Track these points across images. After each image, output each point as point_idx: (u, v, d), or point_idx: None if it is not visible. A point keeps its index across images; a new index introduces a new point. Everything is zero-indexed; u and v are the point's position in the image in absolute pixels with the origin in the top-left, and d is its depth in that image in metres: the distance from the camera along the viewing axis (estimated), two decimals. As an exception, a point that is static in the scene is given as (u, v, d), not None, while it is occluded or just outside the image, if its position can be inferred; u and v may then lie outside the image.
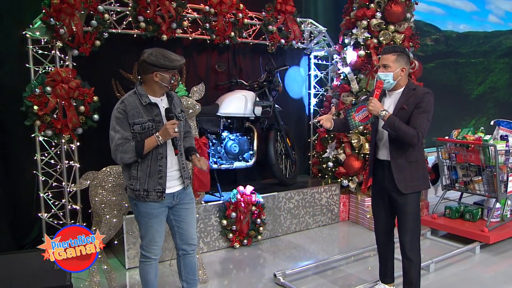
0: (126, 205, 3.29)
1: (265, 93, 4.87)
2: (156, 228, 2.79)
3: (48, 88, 3.76)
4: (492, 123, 4.99)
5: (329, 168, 5.31)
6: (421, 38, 5.64)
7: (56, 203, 4.01)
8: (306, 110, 5.89)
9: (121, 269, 3.94)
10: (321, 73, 5.84)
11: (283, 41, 5.10)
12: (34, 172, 3.94)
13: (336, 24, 5.68)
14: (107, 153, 2.76)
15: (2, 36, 3.85)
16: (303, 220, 5.01)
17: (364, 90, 5.13)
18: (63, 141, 3.92)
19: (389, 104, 3.00)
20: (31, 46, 3.83)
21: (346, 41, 5.34)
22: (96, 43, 4.00)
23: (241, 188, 4.48)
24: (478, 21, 8.00)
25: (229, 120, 4.73)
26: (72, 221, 4.04)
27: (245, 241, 4.48)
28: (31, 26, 3.84)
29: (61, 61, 3.93)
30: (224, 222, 4.36)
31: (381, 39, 5.03)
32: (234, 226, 4.39)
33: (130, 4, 4.17)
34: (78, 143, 4.03)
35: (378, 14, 5.02)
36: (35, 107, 3.72)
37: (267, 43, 5.06)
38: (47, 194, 3.98)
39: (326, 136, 5.40)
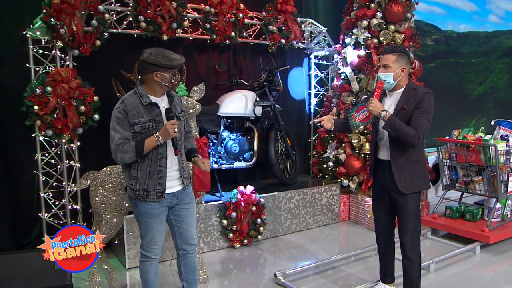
0: (127, 205, 3.29)
1: (265, 93, 4.87)
2: (156, 228, 2.79)
3: (49, 88, 3.76)
4: (492, 123, 4.99)
5: (330, 168, 5.31)
6: (421, 38, 5.64)
7: (57, 203, 4.01)
8: (307, 110, 5.89)
9: (121, 269, 3.94)
10: (322, 73, 5.83)
11: (283, 41, 5.10)
12: (35, 172, 3.94)
13: (337, 24, 5.68)
14: (108, 153, 2.76)
15: (2, 36, 3.85)
16: (303, 220, 5.01)
17: (364, 90, 5.13)
18: (64, 141, 3.92)
19: (389, 104, 3.00)
20: (32, 46, 3.83)
21: (347, 41, 5.34)
22: (96, 43, 4.00)
23: (241, 188, 4.49)
24: (478, 21, 8.00)
25: (229, 120, 4.73)
26: (73, 221, 4.04)
27: (246, 241, 4.48)
28: (31, 26, 3.84)
29: (62, 61, 3.93)
30: (225, 222, 4.36)
31: (381, 39, 5.03)
32: (234, 226, 4.39)
33: (131, 4, 4.17)
34: (78, 143, 4.03)
35: (379, 14, 5.02)
36: (36, 107, 3.72)
37: (268, 43, 5.06)
38: (47, 194, 3.98)
39: (327, 136, 5.41)
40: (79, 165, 4.05)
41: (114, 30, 4.15)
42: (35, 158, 3.92)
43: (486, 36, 8.12)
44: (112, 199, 3.24)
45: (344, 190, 5.33)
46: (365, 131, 5.02)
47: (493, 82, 8.23)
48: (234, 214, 4.34)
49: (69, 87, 3.81)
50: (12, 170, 4.00)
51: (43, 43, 3.86)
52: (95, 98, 3.98)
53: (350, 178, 5.18)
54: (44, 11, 3.73)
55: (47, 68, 3.89)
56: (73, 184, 4.02)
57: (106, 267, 3.48)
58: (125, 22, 4.20)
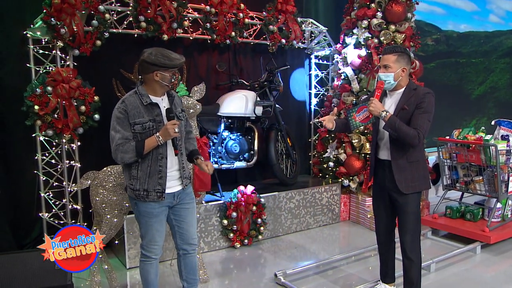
0: (127, 204, 3.29)
1: (265, 93, 4.87)
2: (156, 228, 2.79)
3: (49, 88, 3.77)
4: (493, 123, 4.98)
5: (330, 168, 5.31)
6: (421, 38, 5.64)
7: (57, 203, 4.01)
8: (307, 110, 5.89)
9: (121, 268, 3.94)
10: (322, 73, 5.83)
11: (283, 41, 5.10)
12: (35, 172, 3.94)
13: (337, 24, 5.68)
14: (108, 153, 2.76)
15: (2, 36, 3.85)
16: (303, 220, 5.01)
17: (364, 90, 5.13)
18: (64, 141, 3.93)
19: (390, 104, 3.00)
20: (32, 46, 3.83)
21: (347, 41, 5.34)
22: (97, 43, 4.00)
23: (241, 188, 4.48)
24: (479, 21, 7.99)
25: (230, 120, 4.73)
26: (73, 221, 4.05)
27: (246, 241, 4.48)
28: (32, 26, 3.84)
29: (62, 61, 3.93)
30: (225, 222, 4.36)
31: (381, 39, 5.02)
32: (234, 226, 4.39)
33: (131, 4, 4.17)
34: (79, 143, 4.03)
35: (379, 14, 5.01)
36: (36, 107, 3.73)
37: (268, 43, 5.06)
38: (48, 194, 3.98)
39: (327, 136, 5.41)
40: (79, 165, 4.05)
41: (114, 30, 4.15)
42: (36, 158, 3.92)
43: (486, 36, 8.11)
44: (113, 199, 3.25)
45: (345, 190, 5.32)
46: (366, 131, 5.02)
47: (494, 82, 8.22)
48: (234, 214, 4.34)
49: (69, 87, 3.81)
50: (12, 170, 4.00)
51: (43, 43, 3.86)
52: (96, 98, 3.98)
53: (351, 178, 5.18)
54: (44, 11, 3.73)
55: (48, 68, 3.89)
56: (74, 184, 4.02)
57: (106, 267, 3.48)
58: (125, 22, 4.20)
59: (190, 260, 2.97)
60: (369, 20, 5.07)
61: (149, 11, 4.17)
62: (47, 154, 3.97)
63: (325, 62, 5.81)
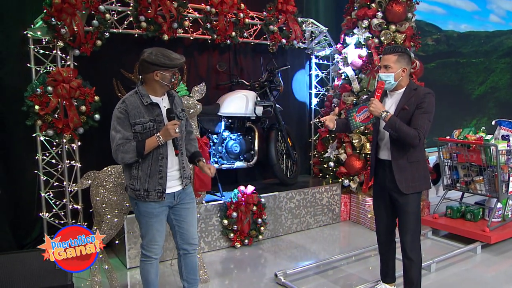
0: (127, 204, 3.29)
1: (266, 93, 4.87)
2: (156, 228, 2.79)
3: (49, 88, 3.77)
4: (493, 123, 4.98)
5: (330, 168, 5.31)
6: (422, 38, 5.64)
7: (57, 202, 4.01)
8: (307, 109, 5.89)
9: (122, 268, 3.94)
10: (322, 73, 5.83)
11: (284, 41, 5.10)
12: (35, 171, 3.94)
13: (337, 24, 5.68)
14: (108, 153, 2.76)
15: (3, 36, 3.85)
16: (304, 220, 5.01)
17: (365, 90, 5.13)
18: (64, 140, 3.93)
19: (390, 104, 3.00)
20: (32, 46, 3.83)
21: (347, 41, 5.33)
22: (97, 43, 4.00)
23: (242, 188, 4.48)
24: (479, 21, 7.99)
25: (230, 120, 4.73)
26: (73, 221, 4.05)
27: (246, 241, 4.48)
28: (32, 26, 3.84)
29: (62, 61, 3.93)
30: (225, 222, 4.36)
31: (382, 39, 5.02)
32: (235, 226, 4.39)
33: (131, 4, 4.17)
34: (79, 143, 4.03)
35: (379, 14, 5.01)
36: (36, 107, 3.73)
37: (268, 43, 5.06)
38: (48, 193, 3.98)
39: (327, 136, 5.41)
40: (79, 165, 4.05)
41: (115, 30, 4.15)
42: (36, 158, 3.92)
43: (487, 36, 8.11)
44: (113, 199, 3.25)
45: (345, 190, 5.32)
46: (366, 131, 5.02)
47: (494, 82, 8.22)
48: (234, 214, 4.34)
49: (70, 87, 3.82)
50: (13, 170, 4.00)
51: (44, 43, 3.87)
52: (96, 98, 3.98)
53: (351, 178, 5.18)
54: (45, 11, 3.73)
55: (48, 68, 3.90)
56: (74, 184, 4.02)
57: (107, 266, 3.48)
58: (125, 22, 4.20)
59: (190, 260, 2.98)
60: (369, 20, 5.07)
61: (149, 11, 4.17)
62: (47, 154, 3.97)
63: (325, 62, 5.81)
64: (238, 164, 4.75)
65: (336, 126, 3.06)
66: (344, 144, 5.21)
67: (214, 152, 4.58)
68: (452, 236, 4.69)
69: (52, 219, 3.99)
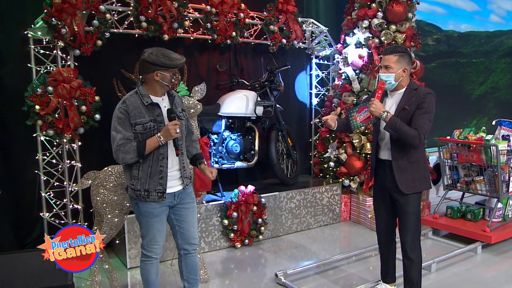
0: (128, 204, 3.29)
1: (266, 93, 4.87)
2: (157, 228, 2.79)
3: (50, 88, 3.77)
4: (493, 123, 4.98)
5: (331, 168, 5.31)
6: (422, 38, 5.63)
7: (58, 202, 4.01)
8: (308, 109, 5.89)
9: (122, 268, 3.94)
10: (323, 73, 5.83)
11: (284, 41, 5.10)
12: (36, 171, 3.94)
13: (338, 24, 5.68)
14: (109, 153, 2.76)
15: (3, 36, 3.85)
16: (304, 220, 5.00)
17: (365, 90, 5.13)
18: (65, 140, 3.93)
19: (390, 104, 3.00)
20: (33, 46, 3.83)
21: (348, 41, 5.33)
22: (97, 43, 4.00)
23: (242, 188, 4.48)
24: (479, 21, 7.99)
25: (230, 120, 4.73)
26: (74, 221, 4.05)
27: (247, 241, 4.48)
28: (32, 26, 3.84)
29: (63, 61, 3.94)
30: (226, 222, 4.36)
31: (382, 39, 5.02)
32: (235, 226, 4.39)
33: (132, 4, 4.17)
34: (79, 143, 4.03)
35: (380, 14, 5.01)
36: (37, 107, 3.73)
37: (269, 43, 5.06)
38: (48, 193, 3.99)
39: (328, 136, 5.40)
40: (80, 165, 4.05)
41: (115, 30, 4.15)
42: (36, 157, 3.92)
43: (487, 36, 8.11)
44: (113, 199, 3.25)
45: (345, 190, 5.32)
46: (366, 131, 5.01)
47: (494, 82, 8.22)
48: (235, 214, 4.34)
49: (70, 87, 3.82)
50: (13, 169, 4.00)
51: (44, 43, 3.87)
52: (96, 98, 3.98)
53: (351, 178, 5.18)
54: (45, 11, 3.73)
55: (48, 68, 3.90)
56: (74, 184, 4.02)
57: (107, 266, 3.48)
58: (126, 22, 4.20)
59: (191, 260, 2.98)
60: (370, 20, 5.07)
61: (150, 11, 4.17)
62: (48, 154, 3.97)
63: (325, 62, 5.81)
64: (239, 164, 4.75)
65: (337, 126, 3.05)
66: (344, 144, 5.21)
67: (214, 152, 4.58)
68: (453, 236, 4.69)
69: (52, 219, 3.99)
